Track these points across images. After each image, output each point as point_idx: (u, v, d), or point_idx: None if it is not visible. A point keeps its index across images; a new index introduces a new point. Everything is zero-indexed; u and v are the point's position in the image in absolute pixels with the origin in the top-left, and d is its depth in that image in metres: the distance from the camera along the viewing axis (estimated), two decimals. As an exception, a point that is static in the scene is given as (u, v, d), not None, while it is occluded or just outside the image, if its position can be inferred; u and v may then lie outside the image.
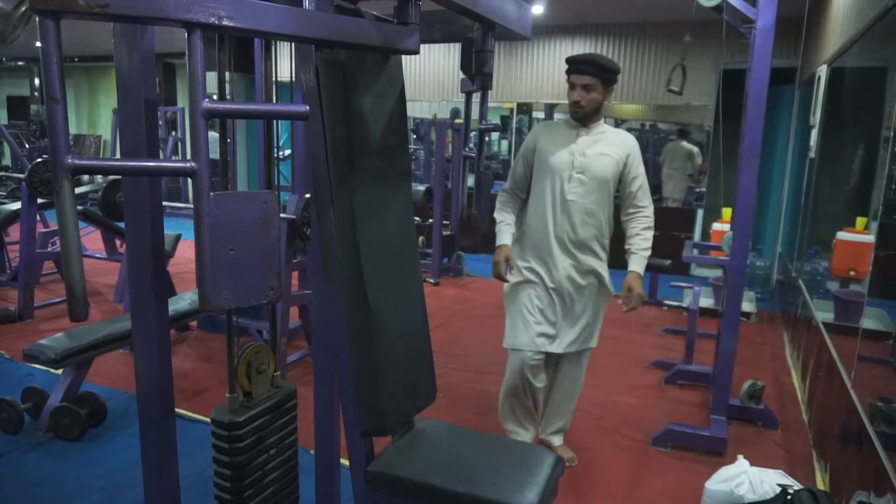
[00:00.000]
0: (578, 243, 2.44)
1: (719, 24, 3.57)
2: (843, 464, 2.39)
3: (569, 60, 2.41)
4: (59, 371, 2.98)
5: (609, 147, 2.43)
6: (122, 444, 2.78)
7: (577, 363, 2.63)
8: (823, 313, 3.31)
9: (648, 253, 2.44)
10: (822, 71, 4.09)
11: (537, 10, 6.23)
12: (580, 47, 7.25)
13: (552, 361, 2.63)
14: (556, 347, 2.51)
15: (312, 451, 1.75)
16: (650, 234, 2.46)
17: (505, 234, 2.59)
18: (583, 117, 2.44)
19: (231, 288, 1.01)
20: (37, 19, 0.81)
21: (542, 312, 2.50)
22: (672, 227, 6.34)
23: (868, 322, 2.56)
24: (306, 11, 1.14)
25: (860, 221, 3.00)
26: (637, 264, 2.42)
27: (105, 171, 1.02)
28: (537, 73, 7.44)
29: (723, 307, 3.00)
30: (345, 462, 1.65)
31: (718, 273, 5.08)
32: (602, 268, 2.50)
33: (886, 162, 2.62)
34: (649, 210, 2.47)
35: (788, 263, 5.35)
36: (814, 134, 4.21)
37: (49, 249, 4.84)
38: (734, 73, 4.79)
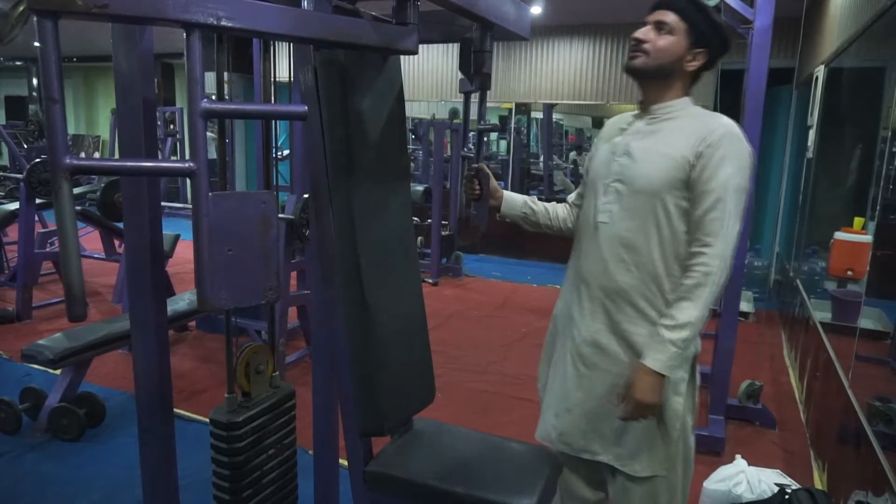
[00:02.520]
0: (612, 292, 1.53)
1: (717, 24, 3.58)
2: (841, 463, 2.40)
3: None
4: (58, 371, 2.97)
5: (671, 139, 1.47)
6: (120, 445, 2.78)
7: (625, 494, 1.59)
8: (821, 313, 3.32)
9: (681, 337, 1.41)
10: (820, 71, 4.09)
11: (536, 10, 6.24)
12: (578, 47, 7.25)
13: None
14: (552, 434, 1.67)
15: (311, 452, 1.75)
16: (697, 299, 1.41)
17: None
18: (642, 71, 1.50)
19: (230, 288, 1.01)
20: (35, 19, 0.81)
21: (555, 387, 1.70)
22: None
23: (865, 322, 2.56)
24: (304, 12, 1.14)
25: (858, 221, 3.00)
26: (650, 352, 1.43)
27: (104, 172, 1.03)
28: (536, 73, 7.44)
29: (721, 307, 3.00)
30: (343, 462, 1.65)
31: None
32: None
33: (884, 162, 2.62)
34: (714, 252, 1.41)
35: (786, 263, 5.36)
36: (811, 134, 4.21)
37: (47, 250, 4.84)
38: (732, 74, 4.79)
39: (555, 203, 1.82)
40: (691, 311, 1.40)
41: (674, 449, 1.53)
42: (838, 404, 2.48)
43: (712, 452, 2.81)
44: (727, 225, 1.42)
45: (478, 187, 1.70)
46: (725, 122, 1.47)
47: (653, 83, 1.52)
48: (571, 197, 1.80)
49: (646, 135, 1.52)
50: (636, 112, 1.59)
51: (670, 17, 1.46)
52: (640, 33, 1.49)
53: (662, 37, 1.47)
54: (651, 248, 1.48)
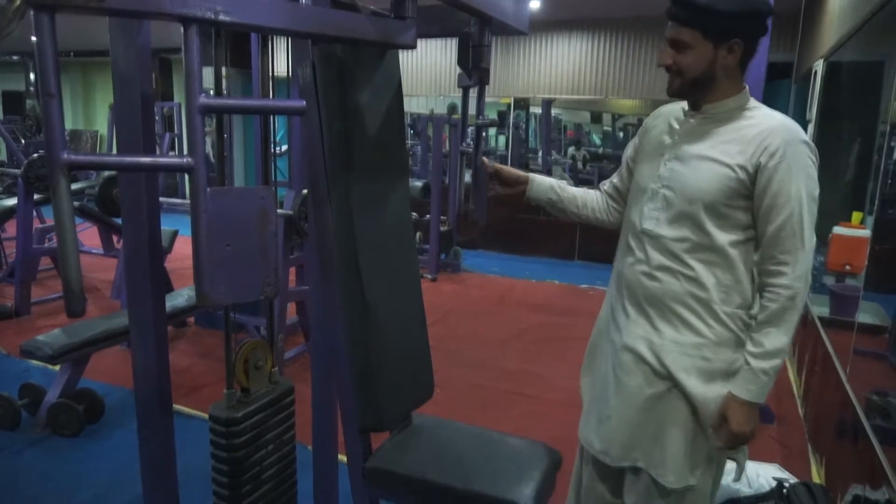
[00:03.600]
0: (656, 300, 1.46)
1: (716, 18, 3.57)
2: (839, 458, 2.41)
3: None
4: (57, 367, 2.97)
5: (725, 144, 1.38)
6: (119, 441, 2.78)
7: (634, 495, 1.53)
8: (819, 308, 3.32)
9: (772, 366, 1.35)
10: (819, 66, 4.09)
11: (534, 4, 6.23)
12: (577, 42, 7.24)
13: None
14: (595, 443, 1.56)
15: (310, 447, 1.76)
16: (784, 324, 1.34)
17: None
18: (681, 92, 1.43)
19: (228, 284, 1.00)
20: (31, 13, 0.81)
21: (596, 390, 1.62)
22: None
23: (864, 316, 2.57)
24: (303, 6, 1.14)
25: (856, 216, 3.00)
26: (741, 382, 1.38)
27: (101, 167, 1.02)
28: (534, 67, 7.43)
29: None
30: (343, 458, 1.65)
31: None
32: (706, 362, 1.42)
33: (882, 156, 2.62)
34: (796, 273, 1.33)
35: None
36: (810, 129, 4.21)
37: (46, 245, 4.83)
38: (731, 68, 4.78)
39: (586, 190, 1.75)
40: (780, 338, 1.34)
41: (708, 460, 1.48)
42: (836, 399, 2.48)
43: (710, 447, 2.82)
44: (804, 240, 1.34)
45: (498, 185, 1.71)
46: (785, 124, 1.37)
47: (698, 91, 1.41)
48: (606, 186, 1.73)
49: (697, 137, 1.42)
50: (687, 108, 1.48)
51: (682, 33, 1.36)
52: (663, 58, 1.41)
53: (683, 54, 1.37)
54: (701, 260, 1.41)
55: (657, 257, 1.45)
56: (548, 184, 1.73)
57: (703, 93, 1.41)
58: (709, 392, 1.41)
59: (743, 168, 1.34)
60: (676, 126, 1.48)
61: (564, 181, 1.77)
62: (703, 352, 1.42)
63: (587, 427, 1.60)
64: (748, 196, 1.36)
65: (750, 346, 1.37)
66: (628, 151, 1.65)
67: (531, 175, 1.72)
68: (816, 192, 1.37)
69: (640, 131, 1.63)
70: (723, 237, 1.39)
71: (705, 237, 1.40)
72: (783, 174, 1.32)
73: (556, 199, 1.72)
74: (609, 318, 1.59)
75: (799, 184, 1.33)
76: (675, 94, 1.44)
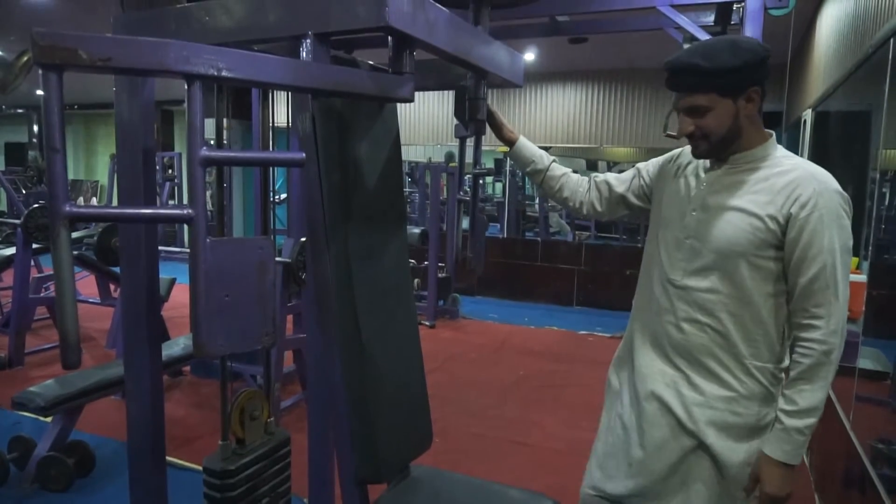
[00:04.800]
0: (684, 351, 1.43)
1: (706, 70, 3.67)
2: (847, 508, 2.35)
3: (664, 68, 1.40)
4: (49, 419, 2.92)
5: (753, 195, 1.35)
6: (110, 495, 2.71)
7: None
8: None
9: (807, 424, 1.31)
10: (807, 115, 4.19)
11: (529, 57, 6.41)
12: (571, 92, 7.42)
13: None
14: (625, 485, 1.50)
15: (306, 500, 1.71)
16: (819, 381, 1.30)
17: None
18: (710, 153, 1.41)
19: (226, 334, 1.00)
20: (39, 71, 0.83)
21: (609, 440, 1.57)
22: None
23: (864, 362, 2.55)
24: (303, 62, 1.17)
25: (852, 261, 3.02)
26: (774, 442, 1.34)
27: (103, 219, 1.03)
28: (530, 117, 7.58)
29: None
30: (339, 511, 1.61)
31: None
32: (736, 416, 1.38)
33: (875, 202, 2.66)
34: (830, 328, 1.29)
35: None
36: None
37: (42, 295, 4.82)
38: (722, 117, 4.89)
39: (579, 178, 1.74)
40: (815, 395, 1.29)
41: None
42: (841, 447, 2.44)
43: (716, 497, 2.76)
44: (839, 293, 1.29)
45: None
46: (815, 173, 1.33)
47: (727, 147, 1.39)
48: (599, 178, 1.70)
49: (724, 188, 1.39)
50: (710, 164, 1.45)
51: (697, 99, 1.34)
52: (685, 128, 1.38)
53: (704, 118, 1.35)
54: (731, 313, 1.37)
55: (684, 308, 1.42)
56: (530, 152, 1.73)
57: (731, 146, 1.39)
58: (735, 453, 1.38)
59: (773, 218, 1.31)
60: (703, 175, 1.45)
61: (555, 161, 1.77)
62: (733, 406, 1.38)
63: (590, 477, 1.56)
64: (779, 247, 1.32)
65: (783, 404, 1.32)
66: (649, 167, 1.63)
67: (521, 138, 1.73)
68: (850, 242, 1.31)
69: (667, 158, 1.59)
70: (752, 288, 1.35)
71: (734, 289, 1.36)
72: (815, 225, 1.28)
73: (535, 171, 1.73)
74: (629, 365, 1.55)
75: (833, 234, 1.28)
76: (704, 156, 1.42)
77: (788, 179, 1.32)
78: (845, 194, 1.33)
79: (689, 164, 1.51)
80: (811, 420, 1.30)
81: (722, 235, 1.36)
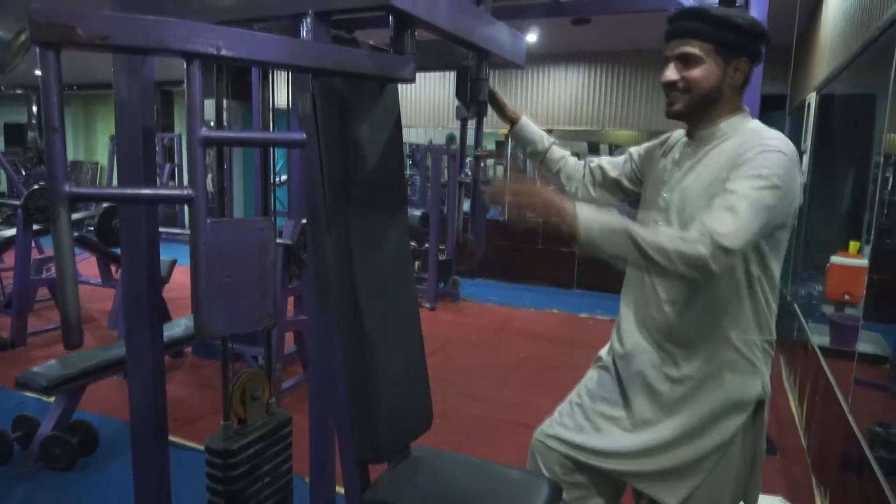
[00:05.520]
0: (668, 332, 1.45)
1: (710, 52, 3.63)
2: (844, 490, 2.37)
3: (675, 13, 1.39)
4: (52, 399, 2.94)
5: (714, 165, 1.35)
6: (113, 474, 2.74)
7: None
8: (819, 337, 3.31)
9: (620, 238, 1.24)
10: (812, 98, 4.15)
11: (531, 38, 6.34)
12: (574, 73, 7.35)
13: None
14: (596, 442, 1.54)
15: (307, 479, 1.73)
16: (664, 242, 1.21)
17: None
18: (685, 111, 1.38)
19: (227, 315, 1.00)
20: (37, 50, 0.82)
21: (591, 391, 1.62)
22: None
23: (864, 346, 2.56)
24: (303, 42, 1.16)
25: (853, 245, 3.02)
26: (597, 211, 1.27)
27: (103, 199, 1.03)
28: (532, 99, 7.53)
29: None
30: (340, 490, 1.62)
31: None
32: (720, 391, 1.40)
33: (877, 187, 2.65)
34: (710, 229, 1.19)
35: (783, 287, 5.37)
36: (805, 159, 4.25)
37: (43, 276, 4.83)
38: (725, 100, 4.85)
39: (576, 162, 1.74)
40: (652, 240, 1.21)
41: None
42: (839, 430, 2.46)
43: (713, 479, 2.78)
44: (738, 213, 1.20)
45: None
46: (762, 132, 1.33)
47: (702, 111, 1.38)
48: (594, 163, 1.70)
49: (692, 166, 1.40)
50: (685, 137, 1.47)
51: (693, 47, 1.32)
52: (669, 75, 1.36)
53: (693, 69, 1.34)
54: (713, 295, 1.38)
55: (665, 290, 1.44)
56: (530, 132, 1.75)
57: (705, 112, 1.38)
58: (717, 430, 1.39)
59: (723, 180, 1.29)
60: (677, 157, 1.47)
61: (556, 143, 1.78)
62: (716, 381, 1.40)
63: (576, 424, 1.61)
64: None
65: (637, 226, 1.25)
66: (640, 151, 1.63)
67: (523, 118, 1.75)
68: (772, 202, 1.24)
69: (657, 142, 1.59)
70: (742, 270, 1.35)
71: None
72: (743, 171, 1.26)
73: (535, 153, 1.76)
74: (618, 344, 1.58)
75: (752, 183, 1.23)
76: (677, 113, 1.40)
77: (744, 141, 1.32)
78: (797, 169, 1.31)
79: (673, 146, 1.51)
80: (624, 241, 1.23)
81: (688, 214, 1.36)
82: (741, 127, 1.38)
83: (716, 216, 1.21)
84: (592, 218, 1.25)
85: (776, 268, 1.40)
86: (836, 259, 3.04)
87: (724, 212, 1.21)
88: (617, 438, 1.51)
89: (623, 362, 1.55)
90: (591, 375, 1.67)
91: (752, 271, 1.37)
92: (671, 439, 1.44)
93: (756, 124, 1.39)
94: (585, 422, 1.58)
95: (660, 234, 1.24)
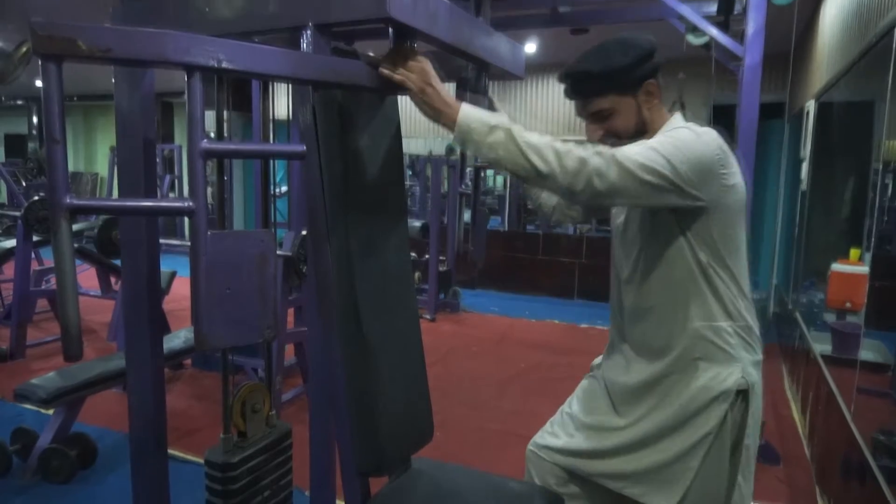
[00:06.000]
0: (638, 332, 1.50)
1: (709, 61, 3.66)
2: (847, 500, 2.36)
3: (560, 80, 1.47)
4: (50, 411, 2.93)
5: None
6: (111, 487, 2.72)
7: None
8: (821, 345, 3.30)
9: (496, 135, 1.23)
10: (810, 105, 4.17)
11: (530, 48, 6.37)
12: (572, 84, 7.37)
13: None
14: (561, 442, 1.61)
15: (307, 492, 1.72)
16: (542, 152, 1.22)
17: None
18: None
19: (227, 327, 1.00)
20: (39, 62, 0.82)
21: (580, 399, 1.67)
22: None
23: (866, 354, 2.55)
24: (304, 54, 1.16)
25: (854, 253, 3.01)
26: (481, 112, 1.26)
27: (103, 211, 1.03)
28: (531, 109, 7.56)
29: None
30: (340, 503, 1.61)
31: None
32: (695, 381, 1.39)
33: (877, 193, 2.65)
34: (599, 149, 1.25)
35: (784, 295, 5.36)
36: (805, 166, 4.26)
37: (43, 287, 4.82)
38: (725, 108, 4.87)
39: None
40: (537, 140, 1.22)
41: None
42: (842, 438, 2.45)
43: (716, 489, 2.76)
44: (625, 149, 1.25)
45: None
46: (696, 127, 1.36)
47: (640, 138, 1.39)
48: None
49: None
50: None
51: (599, 103, 1.39)
52: (593, 134, 1.42)
53: (611, 121, 1.40)
54: (664, 285, 1.41)
55: (631, 301, 1.48)
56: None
57: (644, 137, 1.39)
58: (701, 422, 1.38)
59: None
60: None
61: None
62: (692, 373, 1.39)
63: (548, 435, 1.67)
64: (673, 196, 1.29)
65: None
66: None
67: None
68: (666, 154, 1.25)
69: None
70: (676, 256, 1.38)
71: (661, 262, 1.40)
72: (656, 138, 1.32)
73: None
74: (606, 359, 1.63)
75: (655, 139, 1.29)
76: None
77: (665, 128, 1.38)
78: (708, 144, 1.31)
79: None
80: (501, 141, 1.22)
81: (635, 217, 1.43)
82: (674, 125, 1.41)
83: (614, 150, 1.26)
84: (474, 109, 1.25)
85: (730, 255, 1.39)
86: (836, 266, 3.03)
87: (616, 148, 1.27)
88: (603, 440, 1.52)
89: (600, 370, 1.62)
90: (582, 384, 1.70)
91: (701, 258, 1.37)
92: (653, 434, 1.43)
93: (681, 122, 1.42)
94: (575, 430, 1.60)
95: (542, 137, 1.24)
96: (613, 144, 1.38)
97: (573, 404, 1.67)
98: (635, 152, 1.25)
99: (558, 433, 1.64)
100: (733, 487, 1.43)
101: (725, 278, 1.39)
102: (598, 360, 1.70)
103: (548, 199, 1.76)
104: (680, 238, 1.37)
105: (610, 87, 1.37)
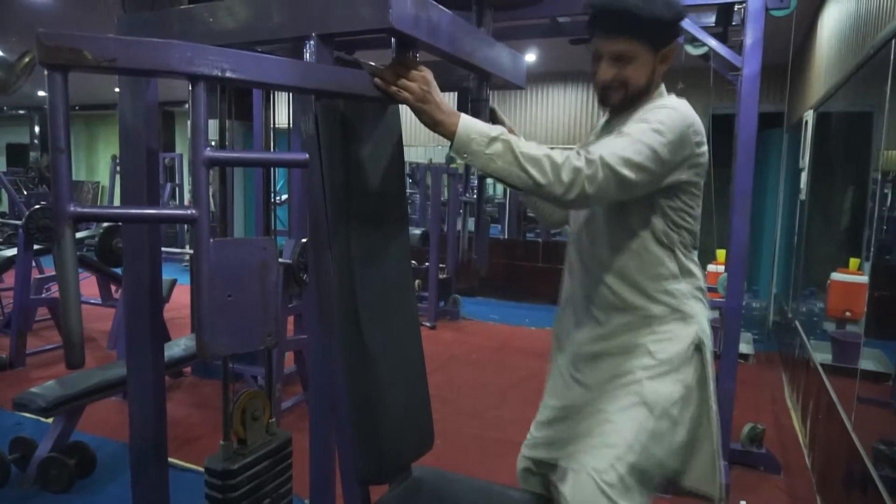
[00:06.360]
0: (591, 302, 1.51)
1: (708, 71, 3.68)
2: (849, 509, 2.35)
3: (591, 6, 1.37)
4: (50, 420, 2.92)
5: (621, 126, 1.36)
6: (111, 496, 2.71)
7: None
8: (821, 354, 3.30)
9: (493, 151, 1.24)
10: (809, 116, 4.19)
11: (530, 58, 6.41)
12: (572, 93, 7.42)
13: None
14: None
15: (307, 500, 1.71)
16: (540, 161, 1.23)
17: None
18: (621, 104, 1.42)
19: (229, 334, 1.00)
20: (45, 72, 0.83)
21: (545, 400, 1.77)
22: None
23: (866, 363, 2.55)
24: (307, 64, 1.17)
25: (853, 262, 3.02)
26: (482, 125, 1.27)
27: (107, 219, 1.04)
28: (531, 118, 7.59)
29: (720, 349, 2.99)
30: (341, 512, 1.61)
31: (715, 315, 5.09)
32: (652, 328, 1.43)
33: (876, 203, 2.66)
34: (590, 156, 1.24)
35: (784, 304, 5.36)
36: (804, 176, 4.28)
37: (43, 296, 4.82)
38: (723, 118, 4.89)
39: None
40: (534, 151, 1.22)
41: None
42: (843, 448, 2.44)
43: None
44: (617, 141, 1.27)
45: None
46: (670, 100, 1.38)
47: (636, 102, 1.41)
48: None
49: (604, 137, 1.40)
50: (604, 118, 1.53)
51: (626, 45, 1.34)
52: (604, 74, 1.37)
53: (627, 67, 1.35)
54: (613, 245, 1.44)
55: (586, 266, 1.52)
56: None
57: (637, 101, 1.40)
58: (658, 384, 1.39)
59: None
60: (596, 132, 1.55)
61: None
62: (655, 316, 1.42)
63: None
64: None
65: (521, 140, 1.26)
66: None
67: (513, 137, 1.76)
68: (657, 145, 1.27)
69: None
70: (628, 215, 1.40)
71: (613, 223, 1.43)
72: (636, 120, 1.33)
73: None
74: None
75: (641, 127, 1.29)
76: (619, 105, 1.43)
77: (648, 105, 1.38)
78: (691, 125, 1.33)
79: (598, 129, 1.56)
80: (500, 152, 1.23)
81: None
82: (657, 100, 1.42)
83: (597, 144, 1.28)
84: (474, 121, 1.26)
85: (687, 220, 1.42)
86: (836, 276, 3.04)
87: (603, 144, 1.28)
88: (572, 426, 1.54)
89: (559, 351, 1.64)
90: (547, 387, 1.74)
91: (657, 224, 1.40)
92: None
93: (667, 99, 1.42)
94: (551, 420, 1.69)
95: (539, 148, 1.25)
96: (610, 96, 1.40)
97: (545, 398, 1.74)
98: (621, 147, 1.26)
99: (535, 435, 1.73)
100: (702, 444, 1.44)
101: (677, 243, 1.42)
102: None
103: (544, 205, 1.77)
104: (643, 203, 1.38)
105: (643, 33, 1.33)
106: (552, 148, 1.28)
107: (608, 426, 1.40)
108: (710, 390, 1.44)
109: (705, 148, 1.38)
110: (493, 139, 1.23)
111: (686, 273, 1.44)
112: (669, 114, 1.32)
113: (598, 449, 1.37)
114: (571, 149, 1.30)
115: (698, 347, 1.43)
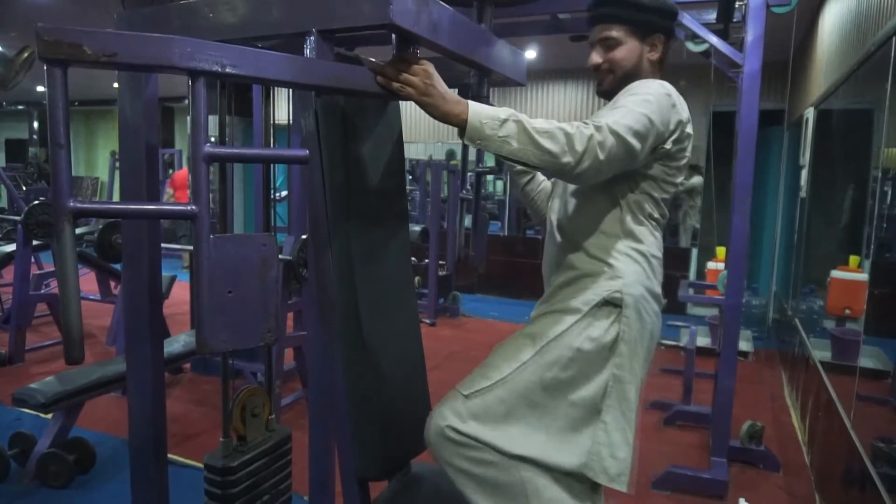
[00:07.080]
0: (558, 268, 1.54)
1: (708, 68, 3.67)
2: (847, 507, 2.35)
3: (588, 8, 1.51)
4: (49, 416, 2.92)
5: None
6: (110, 492, 2.71)
7: None
8: (820, 352, 3.30)
9: (507, 132, 1.22)
10: (810, 113, 4.18)
11: (531, 54, 6.40)
12: (573, 89, 7.40)
13: None
14: None
15: (306, 497, 1.72)
16: (554, 135, 1.23)
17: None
18: (612, 89, 1.49)
19: (229, 330, 1.00)
20: (44, 67, 0.83)
21: None
22: (667, 266, 6.36)
23: (865, 361, 2.55)
24: (308, 59, 1.17)
25: (853, 260, 3.02)
26: (489, 109, 1.26)
27: (107, 215, 1.03)
28: (531, 114, 7.53)
29: (720, 346, 2.99)
30: (340, 508, 1.61)
31: (715, 312, 5.09)
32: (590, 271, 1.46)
33: (876, 201, 2.66)
34: (597, 123, 1.28)
35: (784, 302, 5.36)
36: (804, 174, 4.27)
37: (42, 291, 4.81)
38: (724, 116, 4.89)
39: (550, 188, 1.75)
40: (544, 125, 1.23)
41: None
42: (842, 446, 2.44)
43: (715, 496, 2.76)
44: (615, 112, 1.33)
45: None
46: (657, 81, 1.44)
47: (619, 88, 1.48)
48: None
49: None
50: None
51: (612, 31, 1.47)
52: (594, 59, 1.50)
53: (614, 51, 1.47)
54: (580, 211, 1.49)
55: (558, 241, 1.55)
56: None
57: (627, 84, 1.47)
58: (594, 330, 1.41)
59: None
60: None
61: None
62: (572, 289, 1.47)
63: None
64: None
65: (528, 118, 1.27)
66: None
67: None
68: (646, 114, 1.33)
69: None
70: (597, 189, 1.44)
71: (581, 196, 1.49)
72: (622, 95, 1.41)
73: (523, 171, 1.74)
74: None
75: (630, 100, 1.36)
76: (605, 92, 1.53)
77: (632, 84, 1.45)
78: (675, 103, 1.40)
79: None
80: (509, 131, 1.23)
81: None
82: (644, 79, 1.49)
83: (597, 116, 1.35)
84: (482, 106, 1.26)
85: (656, 193, 1.48)
86: (836, 273, 3.04)
87: (602, 115, 1.35)
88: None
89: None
90: None
91: (625, 191, 1.46)
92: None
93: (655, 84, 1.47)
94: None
95: (549, 122, 1.27)
96: (602, 80, 1.52)
97: None
98: (622, 116, 1.31)
99: None
100: (592, 417, 1.43)
101: (644, 209, 1.47)
102: None
103: (541, 205, 1.76)
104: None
105: (627, 19, 1.46)
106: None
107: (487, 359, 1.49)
108: (624, 357, 1.42)
109: (687, 115, 1.45)
110: (504, 121, 1.23)
111: (628, 234, 1.46)
112: (654, 85, 1.41)
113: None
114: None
115: (616, 304, 1.41)
